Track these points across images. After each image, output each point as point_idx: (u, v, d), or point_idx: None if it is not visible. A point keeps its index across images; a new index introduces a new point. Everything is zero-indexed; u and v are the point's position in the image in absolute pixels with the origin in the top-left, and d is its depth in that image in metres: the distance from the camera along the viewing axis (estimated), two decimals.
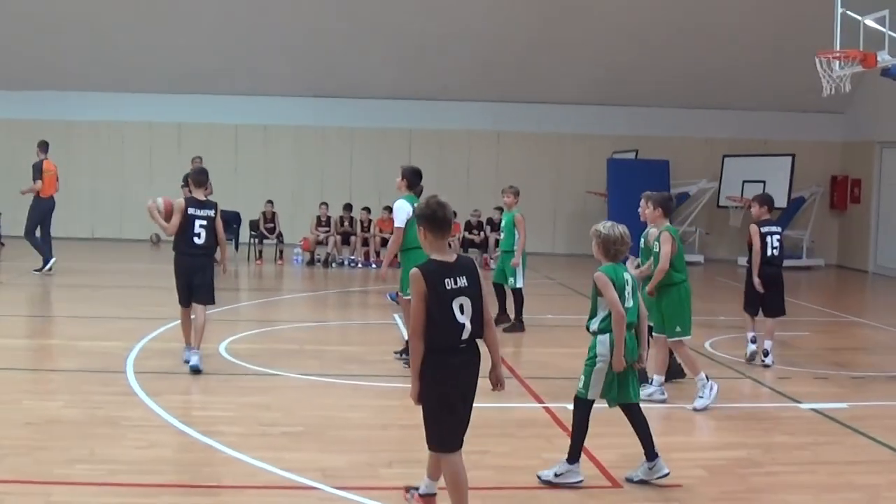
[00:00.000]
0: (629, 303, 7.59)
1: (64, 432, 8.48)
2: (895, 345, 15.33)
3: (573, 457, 7.54)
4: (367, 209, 24.62)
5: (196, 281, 11.26)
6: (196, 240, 11.17)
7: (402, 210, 11.85)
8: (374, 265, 23.80)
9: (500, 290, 15.25)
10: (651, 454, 7.58)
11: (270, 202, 24.96)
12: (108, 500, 6.95)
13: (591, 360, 7.55)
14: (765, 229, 12.80)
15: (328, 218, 24.60)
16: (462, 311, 6.23)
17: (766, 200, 13.04)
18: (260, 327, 14.54)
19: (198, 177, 11.57)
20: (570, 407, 9.55)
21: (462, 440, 6.44)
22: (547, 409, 9.78)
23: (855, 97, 25.52)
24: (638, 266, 10.98)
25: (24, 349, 12.73)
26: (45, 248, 19.91)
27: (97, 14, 25.09)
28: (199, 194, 11.43)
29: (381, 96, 27.67)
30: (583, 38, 25.90)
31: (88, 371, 11.07)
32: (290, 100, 27.69)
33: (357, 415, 9.49)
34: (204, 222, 11.21)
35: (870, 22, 15.50)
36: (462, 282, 6.27)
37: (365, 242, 24.39)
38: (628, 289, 7.60)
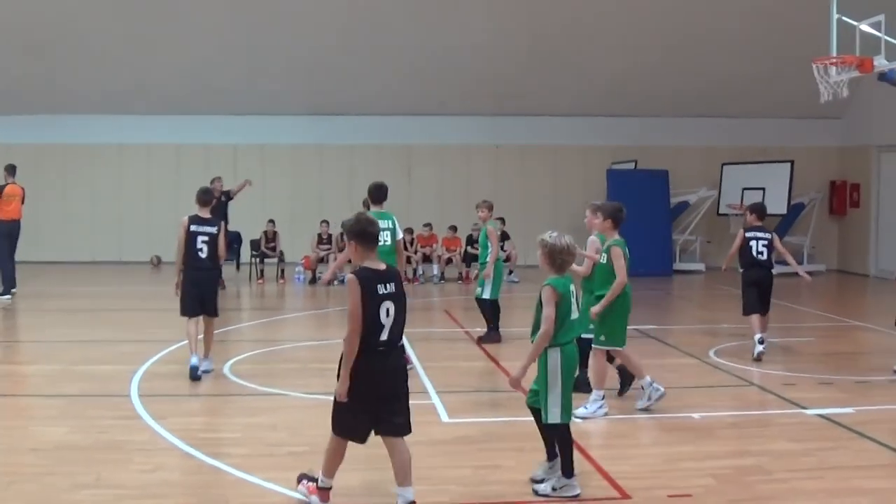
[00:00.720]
0: (575, 314, 7.71)
1: (69, 458, 8.46)
2: None
3: (567, 471, 7.57)
4: None
5: (204, 294, 12.04)
6: (199, 254, 11.90)
7: None
8: None
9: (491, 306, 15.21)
10: (552, 454, 7.73)
11: (272, 221, 24.97)
12: None
13: (544, 381, 7.64)
14: (749, 234, 14.07)
15: (329, 235, 24.61)
16: (387, 315, 6.94)
17: (755, 209, 14.46)
18: (263, 347, 14.53)
19: (202, 196, 12.20)
20: (578, 420, 9.61)
21: (367, 436, 7.12)
22: None
23: (852, 102, 25.53)
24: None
25: (26, 375, 12.71)
26: (7, 274, 19.80)
27: (92, 37, 25.09)
28: (203, 213, 12.08)
29: (379, 113, 27.71)
30: (579, 50, 25.93)
31: (92, 395, 11.05)
32: (288, 118, 27.72)
33: None
34: (206, 238, 11.94)
35: (865, 27, 15.50)
36: (390, 288, 7.01)
37: None
38: (572, 300, 7.67)
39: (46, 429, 9.48)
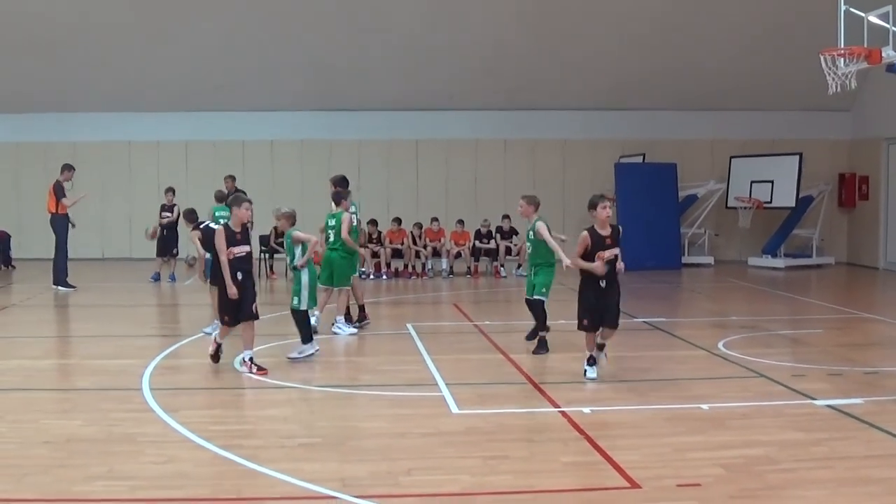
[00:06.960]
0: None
1: (82, 450, 8.51)
2: None
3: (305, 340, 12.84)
4: (375, 221, 24.52)
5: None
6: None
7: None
8: (384, 276, 23.94)
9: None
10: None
11: None
12: None
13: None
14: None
15: None
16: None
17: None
18: (274, 341, 14.53)
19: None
20: (586, 410, 9.66)
21: (235, 322, 12.19)
22: (563, 413, 9.79)
23: (861, 94, 25.53)
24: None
25: (39, 369, 12.76)
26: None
27: (101, 34, 25.18)
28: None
29: (387, 108, 27.74)
30: (587, 43, 25.94)
31: (105, 389, 11.10)
32: (297, 114, 27.78)
33: (374, 424, 9.52)
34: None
35: (873, 18, 15.52)
36: (241, 238, 12.19)
37: (374, 255, 24.35)
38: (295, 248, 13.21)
39: (59, 422, 9.52)
